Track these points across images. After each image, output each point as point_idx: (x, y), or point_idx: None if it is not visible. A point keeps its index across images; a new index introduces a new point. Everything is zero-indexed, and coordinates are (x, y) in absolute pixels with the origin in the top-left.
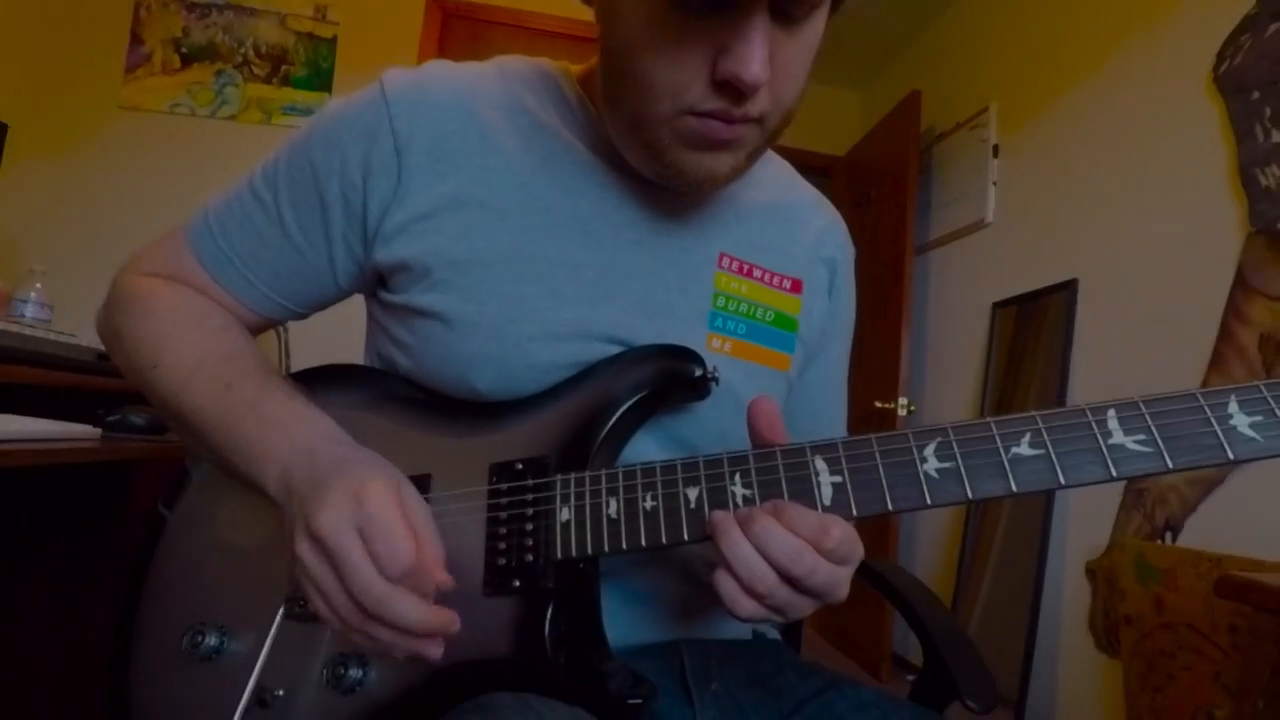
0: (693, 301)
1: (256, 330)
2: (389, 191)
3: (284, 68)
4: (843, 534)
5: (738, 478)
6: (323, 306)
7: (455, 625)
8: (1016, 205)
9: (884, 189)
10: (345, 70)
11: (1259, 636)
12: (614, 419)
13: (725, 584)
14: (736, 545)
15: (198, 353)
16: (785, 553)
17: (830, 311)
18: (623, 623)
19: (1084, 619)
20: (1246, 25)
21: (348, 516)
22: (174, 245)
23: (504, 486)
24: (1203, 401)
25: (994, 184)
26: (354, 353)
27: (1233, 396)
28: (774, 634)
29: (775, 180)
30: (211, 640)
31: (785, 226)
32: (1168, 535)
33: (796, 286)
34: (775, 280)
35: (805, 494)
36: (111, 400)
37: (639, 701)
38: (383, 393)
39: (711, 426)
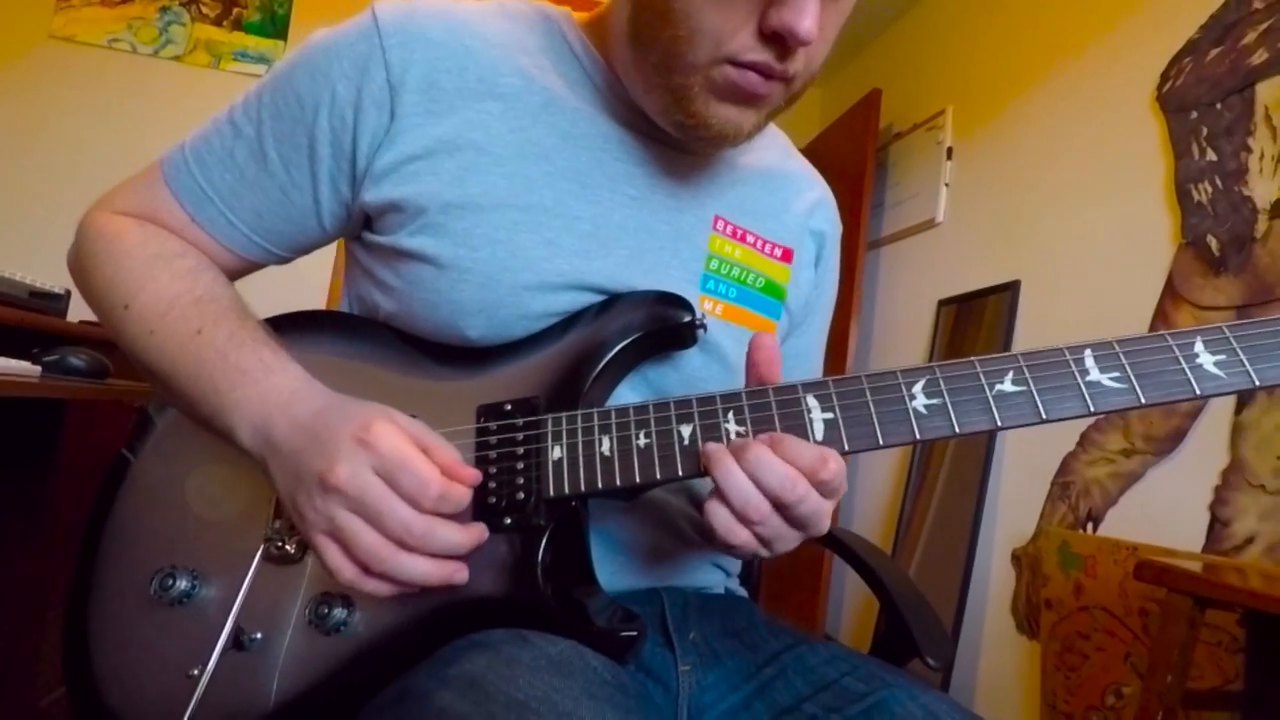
0: (685, 263)
1: (235, 275)
2: (380, 129)
3: (236, 10)
4: (839, 466)
5: (731, 415)
6: (306, 250)
7: (485, 535)
8: (966, 207)
9: (840, 184)
10: (302, 19)
11: (1171, 616)
12: (604, 362)
13: (719, 514)
14: (730, 474)
15: (169, 294)
16: (778, 480)
17: (815, 284)
18: (605, 569)
19: (1007, 603)
20: (1189, 49)
21: (363, 462)
22: (148, 182)
23: (493, 425)
24: (1171, 342)
25: (946, 185)
26: (309, 304)
27: (1199, 338)
28: (742, 591)
29: (770, 147)
30: (182, 584)
31: (779, 195)
32: (1089, 525)
33: (787, 256)
34: (767, 248)
35: (798, 430)
36: (47, 340)
37: (634, 634)
38: (363, 338)
39: (697, 383)
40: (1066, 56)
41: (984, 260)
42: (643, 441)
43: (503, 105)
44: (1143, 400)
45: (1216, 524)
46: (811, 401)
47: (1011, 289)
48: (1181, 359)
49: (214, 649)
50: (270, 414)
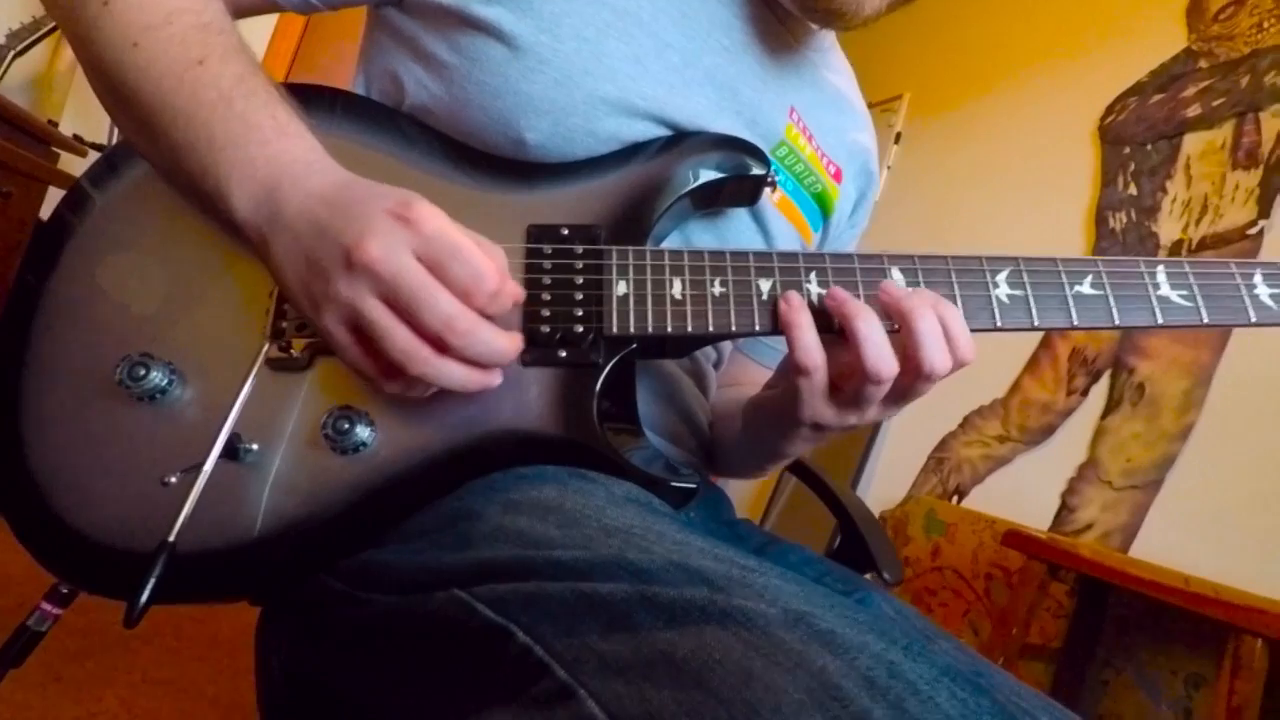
0: (757, 140)
1: (241, 12)
2: None
3: None
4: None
5: (813, 275)
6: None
7: (522, 347)
8: (903, 192)
9: None
10: None
11: (1027, 579)
12: (673, 199)
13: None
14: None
15: (167, 6)
16: (940, 354)
17: (851, 224)
18: None
19: None
20: (1136, 90)
21: (401, 240)
22: None
23: (547, 249)
24: (1235, 270)
25: (888, 168)
26: None
27: (1258, 270)
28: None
29: (848, 77)
30: (156, 377)
31: (843, 118)
32: (955, 498)
33: (839, 176)
34: (826, 160)
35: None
36: None
37: (693, 485)
38: (388, 126)
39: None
40: (1027, 70)
41: (909, 246)
42: (718, 290)
43: None
44: (1205, 320)
45: (1064, 510)
46: (896, 274)
47: None
48: (1242, 287)
49: (202, 454)
50: (279, 181)
